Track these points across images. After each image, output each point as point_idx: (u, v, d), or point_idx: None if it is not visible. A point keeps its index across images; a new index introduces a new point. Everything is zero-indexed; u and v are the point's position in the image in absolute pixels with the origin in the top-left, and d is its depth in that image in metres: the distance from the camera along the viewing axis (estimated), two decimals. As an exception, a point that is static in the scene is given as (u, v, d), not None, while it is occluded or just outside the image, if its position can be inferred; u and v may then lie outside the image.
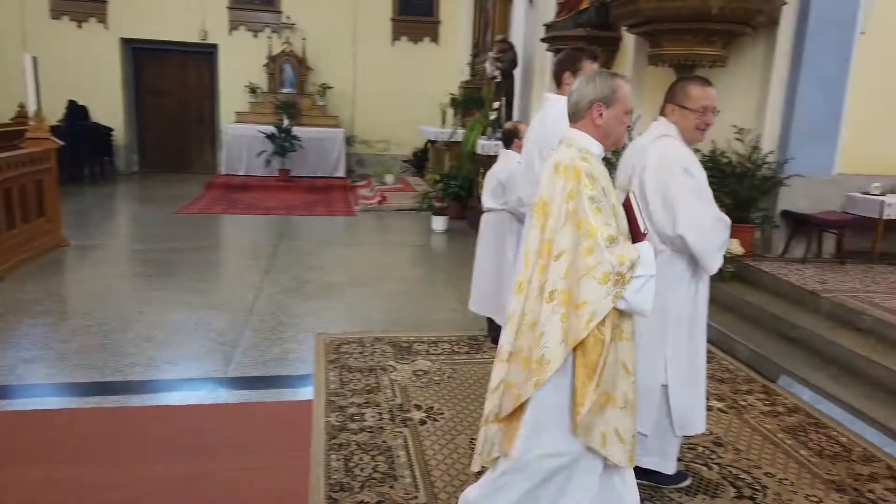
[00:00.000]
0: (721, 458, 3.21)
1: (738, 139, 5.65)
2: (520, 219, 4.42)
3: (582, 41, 6.65)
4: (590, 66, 3.35)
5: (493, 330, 4.63)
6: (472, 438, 3.26)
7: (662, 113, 2.74)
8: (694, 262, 2.67)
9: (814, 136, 5.62)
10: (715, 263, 2.65)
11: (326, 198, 11.30)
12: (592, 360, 2.06)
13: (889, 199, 5.79)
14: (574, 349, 2.08)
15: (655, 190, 2.62)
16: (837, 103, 5.66)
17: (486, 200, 4.62)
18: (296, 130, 12.16)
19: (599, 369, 2.05)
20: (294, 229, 8.71)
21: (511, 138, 4.49)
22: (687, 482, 2.96)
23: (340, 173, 12.99)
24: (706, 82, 2.69)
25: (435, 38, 14.07)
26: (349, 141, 13.74)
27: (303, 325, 4.92)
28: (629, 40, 6.31)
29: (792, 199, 5.62)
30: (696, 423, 2.83)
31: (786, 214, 5.74)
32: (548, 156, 3.31)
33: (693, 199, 2.59)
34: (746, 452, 3.28)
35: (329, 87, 13.32)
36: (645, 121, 6.04)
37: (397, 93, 13.58)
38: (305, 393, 3.79)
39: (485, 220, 4.69)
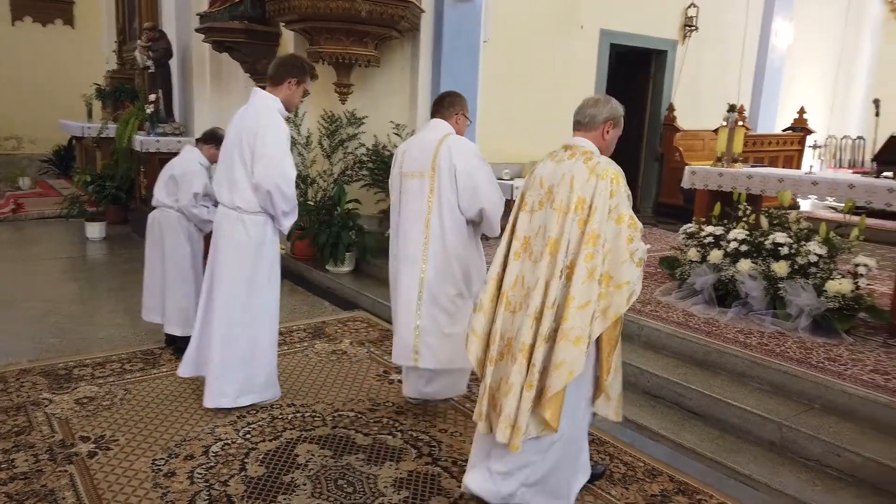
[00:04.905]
0: (402, 424, 3.52)
1: (396, 133, 6.16)
2: (190, 219, 4.21)
3: (241, 34, 6.52)
4: (310, 84, 3.55)
5: (177, 339, 4.30)
6: (155, 460, 3.03)
7: (440, 116, 3.52)
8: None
9: (456, 130, 6.40)
10: (497, 228, 3.35)
11: (-64, 210, 9.16)
12: (615, 335, 2.46)
13: (517, 182, 6.96)
14: None
15: (462, 173, 3.28)
16: (471, 102, 6.50)
17: (159, 195, 4.29)
18: None
19: (618, 342, 2.48)
20: None
21: (210, 141, 4.18)
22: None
23: (-46, 179, 10.65)
24: None
25: (69, 21, 12.38)
26: (-36, 139, 11.36)
27: (-86, 369, 3.96)
28: (289, 36, 6.37)
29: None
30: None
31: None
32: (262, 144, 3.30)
33: (487, 180, 3.33)
34: (423, 416, 3.63)
35: (-74, 74, 10.82)
36: (311, 116, 6.21)
37: (26, 82, 11.68)
38: (-74, 452, 3.07)
39: (151, 217, 4.34)
